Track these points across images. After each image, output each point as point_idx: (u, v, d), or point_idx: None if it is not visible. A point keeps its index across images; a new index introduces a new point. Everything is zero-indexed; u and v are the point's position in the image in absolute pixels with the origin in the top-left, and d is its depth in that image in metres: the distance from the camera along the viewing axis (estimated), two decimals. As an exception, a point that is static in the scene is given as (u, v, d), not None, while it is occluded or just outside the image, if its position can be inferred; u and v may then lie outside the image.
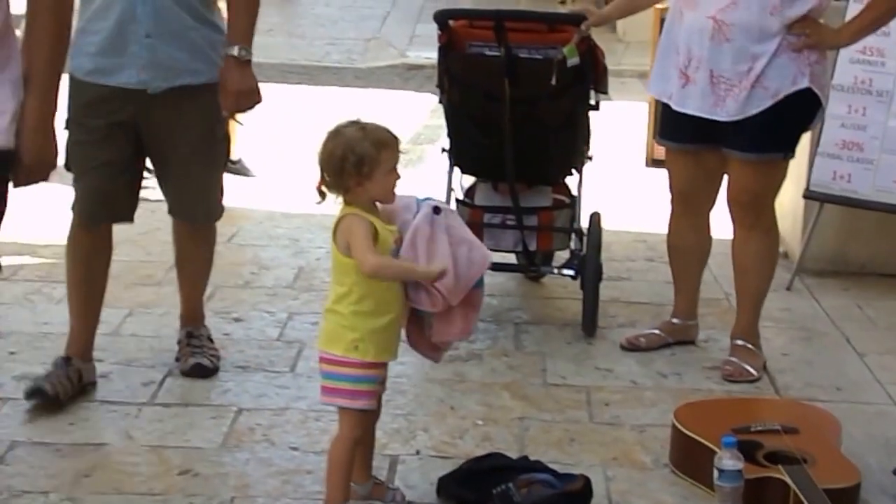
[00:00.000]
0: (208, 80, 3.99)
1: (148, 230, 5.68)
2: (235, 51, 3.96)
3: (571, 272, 4.83)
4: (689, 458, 3.64)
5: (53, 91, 3.08)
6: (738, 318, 4.56)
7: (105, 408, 4.03)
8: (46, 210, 5.53)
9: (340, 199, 3.20)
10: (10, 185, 3.07)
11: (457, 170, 4.96)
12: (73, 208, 4.09)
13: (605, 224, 4.92)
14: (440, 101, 4.87)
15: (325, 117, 7.58)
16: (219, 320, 4.81)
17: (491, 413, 4.09)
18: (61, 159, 3.25)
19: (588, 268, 4.72)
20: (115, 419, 3.96)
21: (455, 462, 3.67)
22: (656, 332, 4.70)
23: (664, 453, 3.78)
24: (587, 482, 3.50)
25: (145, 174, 4.28)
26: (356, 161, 3.10)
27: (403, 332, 3.36)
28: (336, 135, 3.17)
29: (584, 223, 4.87)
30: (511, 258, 5.11)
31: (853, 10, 4.81)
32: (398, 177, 3.20)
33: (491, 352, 4.62)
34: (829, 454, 3.53)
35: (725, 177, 4.45)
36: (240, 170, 7.07)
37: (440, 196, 4.80)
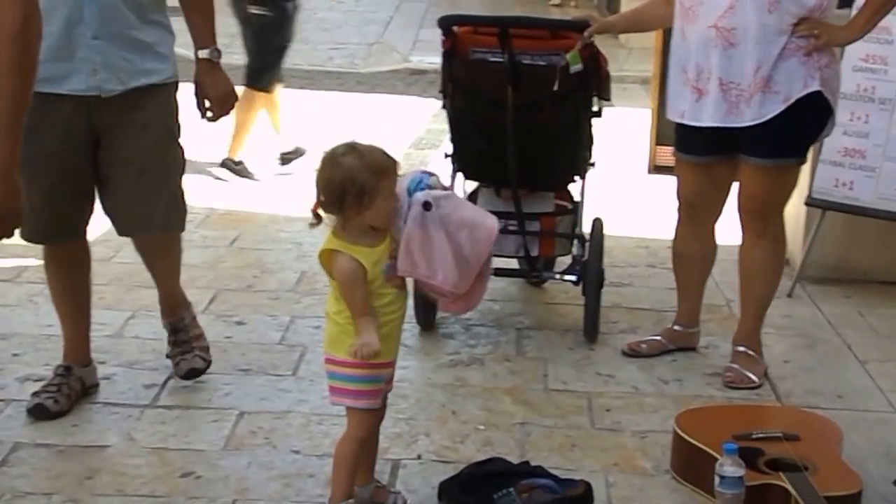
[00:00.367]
0: (163, 79, 3.90)
1: (151, 233, 5.69)
2: (207, 53, 3.94)
3: (573, 278, 4.84)
4: (691, 465, 3.64)
5: (15, 131, 2.73)
6: (740, 324, 4.57)
7: (107, 410, 4.04)
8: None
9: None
10: None
11: (460, 175, 4.97)
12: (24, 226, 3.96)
13: (607, 230, 4.92)
14: (443, 107, 4.87)
15: (328, 122, 7.63)
16: (221, 323, 4.83)
17: (492, 418, 4.10)
18: None
19: (590, 273, 4.72)
20: (117, 421, 3.96)
21: (456, 467, 3.67)
22: (658, 338, 4.70)
23: (665, 459, 3.78)
24: (588, 488, 3.51)
25: None
26: (357, 192, 3.05)
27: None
28: (334, 164, 3.10)
29: (587, 229, 4.88)
30: (513, 263, 5.12)
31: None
32: (397, 201, 3.16)
33: (492, 357, 4.62)
34: (830, 461, 3.54)
35: (734, 185, 4.45)
36: (242, 172, 7.10)
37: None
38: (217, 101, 4.03)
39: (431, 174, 3.27)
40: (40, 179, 3.73)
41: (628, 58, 11.04)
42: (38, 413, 3.91)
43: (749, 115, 4.21)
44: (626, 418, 4.12)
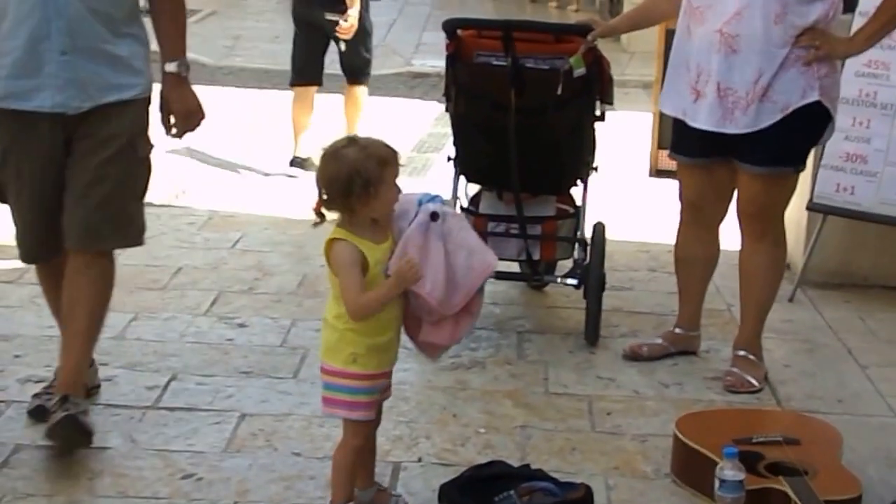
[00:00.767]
0: (135, 95, 3.75)
1: (153, 235, 5.66)
2: (174, 67, 3.78)
3: (574, 281, 4.84)
4: (691, 468, 3.65)
5: None
6: (741, 328, 4.58)
7: (109, 411, 4.04)
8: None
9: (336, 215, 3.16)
10: None
11: (462, 178, 4.98)
12: (20, 248, 3.85)
13: (609, 234, 4.93)
14: (446, 110, 4.88)
15: (331, 124, 7.64)
16: (222, 325, 4.84)
17: (493, 421, 4.10)
18: None
19: (591, 277, 4.73)
20: (119, 423, 3.97)
21: (457, 469, 3.67)
22: (659, 341, 4.71)
23: (665, 463, 3.79)
24: (588, 491, 3.52)
25: None
26: (363, 183, 3.06)
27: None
28: (337, 158, 3.11)
29: (588, 233, 4.89)
30: (514, 267, 5.13)
31: (858, 24, 4.83)
32: (399, 191, 3.18)
33: (493, 360, 4.63)
34: (830, 466, 3.54)
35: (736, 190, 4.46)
36: (307, 166, 7.20)
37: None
38: (182, 117, 3.85)
39: (444, 199, 3.30)
40: (26, 199, 3.71)
41: (630, 62, 11.05)
42: (39, 414, 3.89)
43: (744, 123, 4.22)
44: (626, 422, 4.12)
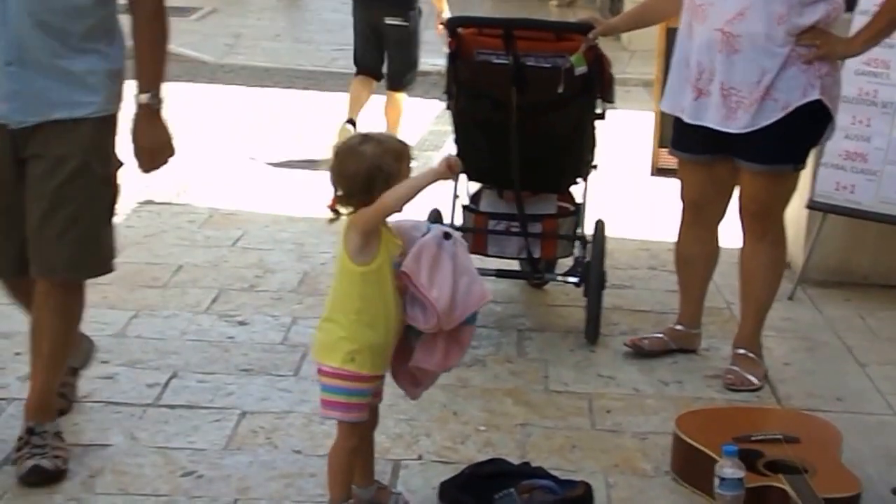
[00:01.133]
0: (88, 113, 3.50)
1: (154, 232, 5.71)
2: (145, 98, 3.56)
3: (575, 279, 4.85)
4: (690, 466, 3.65)
5: None
6: (741, 327, 4.58)
7: (110, 409, 4.05)
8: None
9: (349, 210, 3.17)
10: None
11: (463, 176, 4.98)
12: None
13: (609, 232, 4.94)
14: (447, 108, 4.89)
15: (332, 122, 7.64)
16: (223, 323, 4.84)
17: (493, 419, 4.11)
18: None
19: (591, 275, 4.73)
20: (119, 420, 3.97)
21: (457, 467, 3.68)
22: (660, 335, 4.71)
23: (665, 461, 3.79)
24: (588, 489, 3.53)
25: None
26: (385, 178, 3.10)
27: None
28: (356, 154, 3.13)
29: (589, 231, 4.90)
30: (515, 265, 5.13)
31: (858, 22, 4.83)
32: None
33: (494, 358, 4.63)
34: (829, 464, 3.54)
35: (737, 188, 4.47)
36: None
37: (445, 201, 4.84)
38: (148, 154, 3.63)
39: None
40: None
41: (631, 60, 11.05)
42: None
43: (745, 122, 4.22)
44: (626, 420, 4.13)
